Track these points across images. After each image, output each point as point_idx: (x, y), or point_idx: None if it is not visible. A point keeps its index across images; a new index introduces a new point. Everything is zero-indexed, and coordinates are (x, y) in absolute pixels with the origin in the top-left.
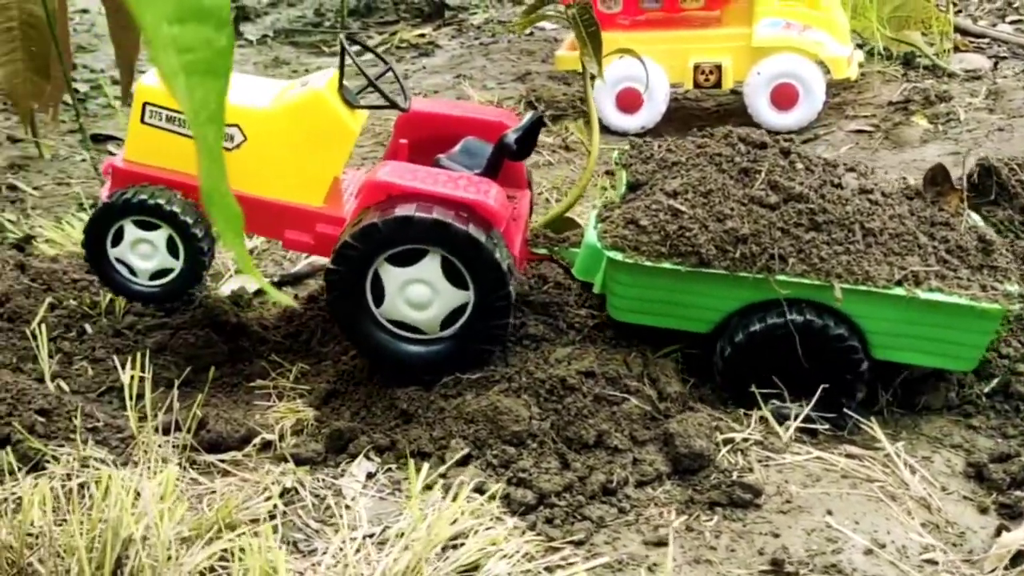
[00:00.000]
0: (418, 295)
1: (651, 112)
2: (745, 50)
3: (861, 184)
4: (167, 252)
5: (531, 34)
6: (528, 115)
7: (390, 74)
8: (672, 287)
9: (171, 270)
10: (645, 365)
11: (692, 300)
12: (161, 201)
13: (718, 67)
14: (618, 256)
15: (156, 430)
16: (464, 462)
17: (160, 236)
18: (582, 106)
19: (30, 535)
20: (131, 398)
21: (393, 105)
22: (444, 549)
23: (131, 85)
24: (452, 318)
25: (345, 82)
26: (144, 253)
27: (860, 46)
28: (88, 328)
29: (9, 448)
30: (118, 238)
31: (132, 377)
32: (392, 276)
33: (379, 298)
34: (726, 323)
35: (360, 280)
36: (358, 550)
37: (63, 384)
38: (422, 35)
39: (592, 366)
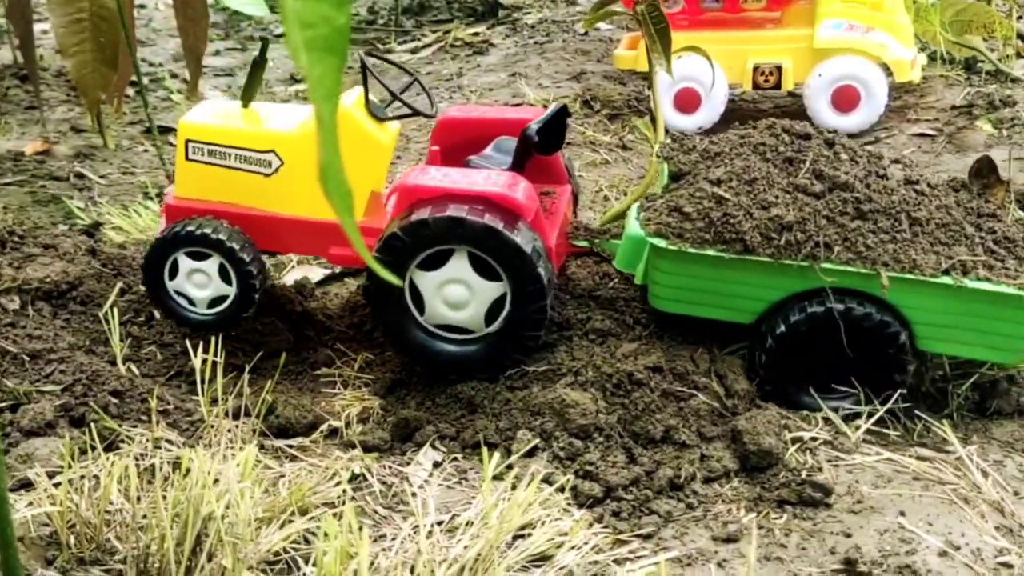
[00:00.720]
0: (455, 295)
1: (709, 112)
2: (806, 51)
3: (907, 175)
4: (220, 279)
5: (585, 34)
6: (552, 106)
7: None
8: (715, 275)
9: (226, 296)
10: (712, 361)
11: (736, 289)
12: (207, 230)
13: (778, 68)
14: (662, 243)
15: (226, 414)
16: (530, 454)
17: (212, 264)
18: (638, 105)
19: (108, 512)
20: (202, 382)
21: (418, 113)
22: (513, 539)
23: (198, 77)
24: (494, 312)
25: (372, 96)
26: (200, 283)
27: (922, 49)
28: (156, 313)
29: (92, 426)
30: (174, 271)
31: (204, 361)
32: (427, 281)
33: (420, 305)
34: (769, 314)
35: (398, 291)
36: (428, 536)
37: (133, 367)
38: (476, 34)
39: (659, 361)
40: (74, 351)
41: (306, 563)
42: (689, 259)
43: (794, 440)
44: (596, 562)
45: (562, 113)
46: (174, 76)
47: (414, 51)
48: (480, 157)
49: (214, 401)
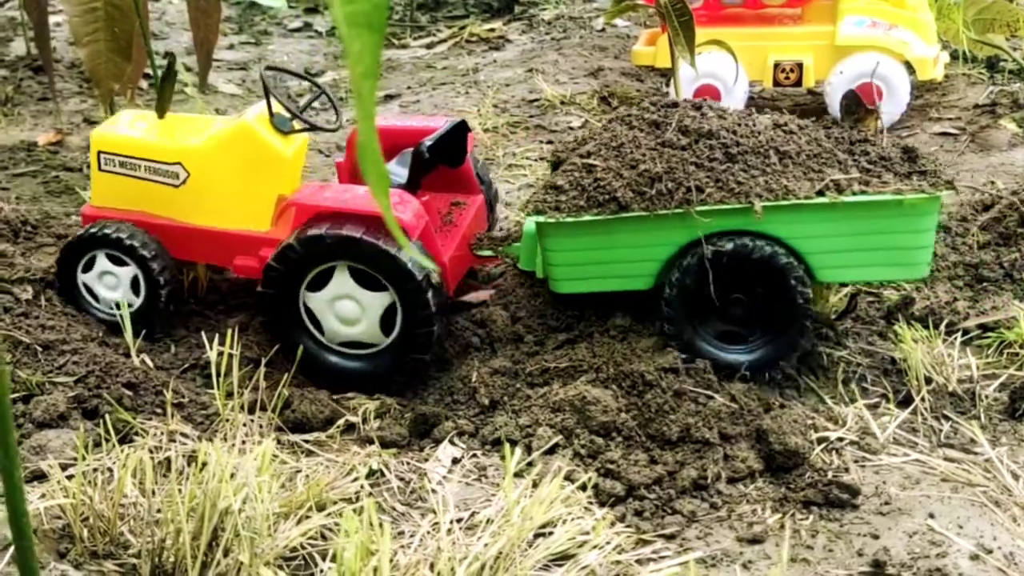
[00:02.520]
0: (346, 311)
1: None
2: (828, 48)
3: (774, 120)
4: (130, 289)
5: (602, 30)
6: (447, 122)
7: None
8: (601, 244)
9: (131, 304)
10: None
11: (624, 254)
12: (123, 235)
13: (799, 65)
14: (540, 219)
15: (242, 408)
16: (551, 451)
17: (127, 273)
18: None
19: (122, 506)
20: (217, 375)
21: (318, 128)
22: (534, 537)
23: (208, 70)
24: (388, 322)
25: (279, 110)
26: (109, 284)
27: (944, 48)
28: (170, 305)
29: (107, 418)
30: (88, 267)
31: (221, 354)
32: (316, 301)
33: (318, 326)
34: (663, 273)
35: (293, 302)
36: (448, 533)
37: (147, 359)
38: (492, 29)
39: (677, 361)
40: (87, 342)
41: (323, 559)
42: (571, 231)
43: (820, 440)
44: (619, 562)
45: (460, 127)
46: (188, 69)
47: (429, 46)
48: None
49: (229, 395)
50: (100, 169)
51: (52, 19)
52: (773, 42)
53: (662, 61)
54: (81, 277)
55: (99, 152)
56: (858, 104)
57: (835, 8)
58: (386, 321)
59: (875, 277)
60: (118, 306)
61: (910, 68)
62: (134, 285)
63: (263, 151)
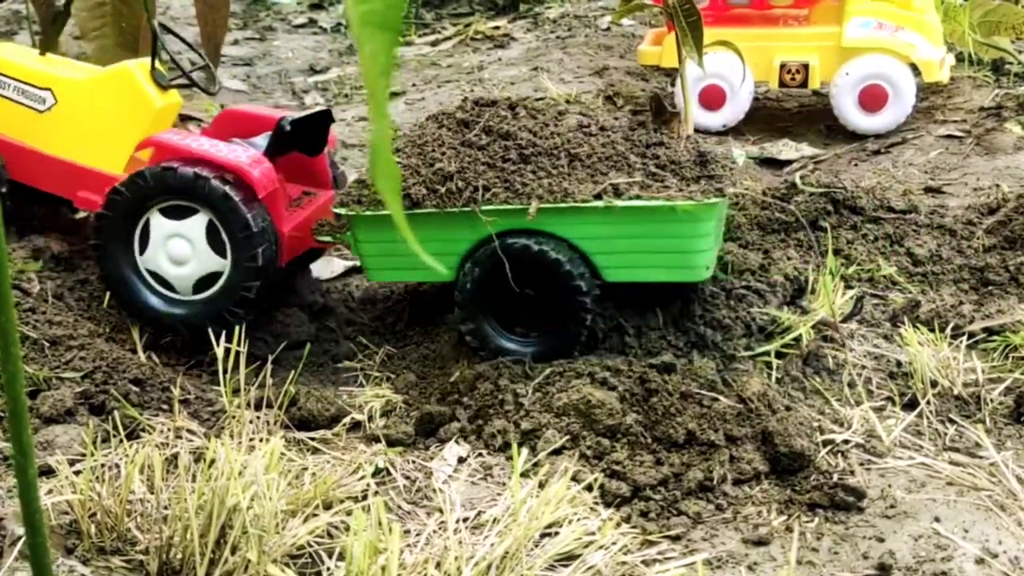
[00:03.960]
0: (179, 251)
1: (734, 110)
2: (834, 50)
3: (580, 122)
4: None
5: (607, 29)
6: (314, 108)
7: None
8: (402, 237)
9: None
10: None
11: (424, 248)
12: None
13: (805, 66)
14: (342, 211)
15: (248, 405)
16: (557, 451)
17: None
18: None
19: (129, 502)
20: (224, 372)
21: (196, 85)
22: (540, 537)
23: (217, 65)
24: (205, 284)
25: (160, 67)
26: None
27: (949, 50)
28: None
29: (116, 414)
30: None
31: (227, 351)
32: (160, 227)
33: (144, 247)
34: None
35: (129, 236)
36: (455, 532)
37: (154, 356)
38: (497, 27)
39: (675, 363)
40: (94, 338)
41: (329, 557)
42: (371, 224)
43: (826, 442)
44: (624, 563)
45: (324, 116)
46: (192, 64)
47: (434, 43)
48: (244, 141)
49: (236, 392)
50: None
51: None
52: (779, 43)
53: (668, 61)
54: None
55: None
56: (661, 106)
57: (841, 9)
58: (215, 244)
59: (656, 278)
60: None
61: (916, 70)
62: None
63: (136, 97)
